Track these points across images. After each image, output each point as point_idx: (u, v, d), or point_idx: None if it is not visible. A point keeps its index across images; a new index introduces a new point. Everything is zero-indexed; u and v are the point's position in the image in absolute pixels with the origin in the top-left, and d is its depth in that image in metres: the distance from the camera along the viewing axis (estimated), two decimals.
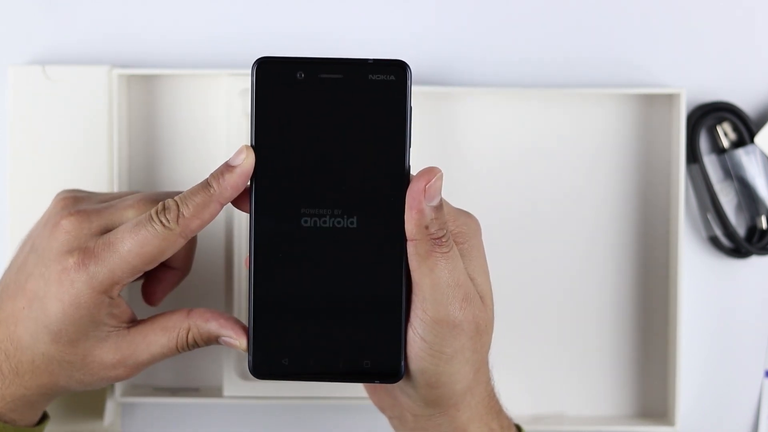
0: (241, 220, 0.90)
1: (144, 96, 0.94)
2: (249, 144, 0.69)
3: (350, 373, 0.71)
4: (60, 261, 0.71)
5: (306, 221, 0.70)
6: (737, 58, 0.96)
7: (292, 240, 0.70)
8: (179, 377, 0.95)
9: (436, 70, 0.95)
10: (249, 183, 0.70)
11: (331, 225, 0.70)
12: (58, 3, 0.95)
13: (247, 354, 0.71)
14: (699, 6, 0.96)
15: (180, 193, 0.73)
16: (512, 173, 0.95)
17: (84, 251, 0.70)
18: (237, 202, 0.71)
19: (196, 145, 0.94)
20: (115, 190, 0.91)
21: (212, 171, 0.70)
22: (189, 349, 0.75)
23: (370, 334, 0.70)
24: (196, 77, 0.94)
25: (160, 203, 0.70)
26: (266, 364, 0.71)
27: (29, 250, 0.75)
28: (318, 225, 0.70)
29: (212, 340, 0.74)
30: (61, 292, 0.70)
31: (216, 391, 0.93)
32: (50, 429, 0.89)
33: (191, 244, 0.78)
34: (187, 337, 0.74)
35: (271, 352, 0.71)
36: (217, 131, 0.94)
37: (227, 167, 0.69)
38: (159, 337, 0.74)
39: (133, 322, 0.74)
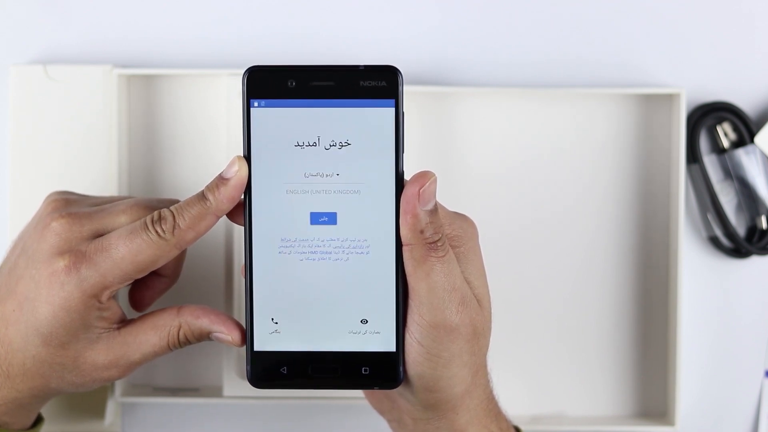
0: None
1: (144, 96, 0.94)
2: (242, 155, 0.70)
3: (349, 379, 0.71)
4: (50, 263, 0.71)
5: (301, 228, 0.70)
6: (737, 58, 0.96)
7: (288, 248, 0.70)
8: (179, 377, 0.95)
9: (436, 70, 0.95)
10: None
11: (326, 232, 0.70)
12: (60, 3, 0.95)
13: (245, 358, 0.72)
14: (699, 6, 0.95)
15: (174, 200, 0.73)
16: (512, 173, 0.94)
17: (75, 254, 0.70)
18: (231, 215, 0.71)
19: (196, 145, 0.94)
20: (115, 189, 0.91)
21: (209, 179, 0.70)
22: (181, 347, 0.75)
23: (367, 340, 0.70)
24: (196, 77, 0.94)
25: (156, 212, 0.70)
26: (265, 372, 0.71)
27: (20, 252, 0.75)
28: (314, 232, 0.70)
29: (204, 337, 0.75)
30: (51, 294, 0.70)
31: (216, 391, 0.94)
32: (51, 429, 0.90)
33: (181, 253, 0.78)
34: (178, 334, 0.74)
35: (270, 360, 0.71)
36: (217, 131, 0.94)
37: (221, 180, 0.69)
38: (150, 336, 0.74)
39: (124, 322, 0.74)
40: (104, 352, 0.73)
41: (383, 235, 0.70)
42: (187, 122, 0.94)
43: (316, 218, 0.70)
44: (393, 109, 0.69)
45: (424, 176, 0.68)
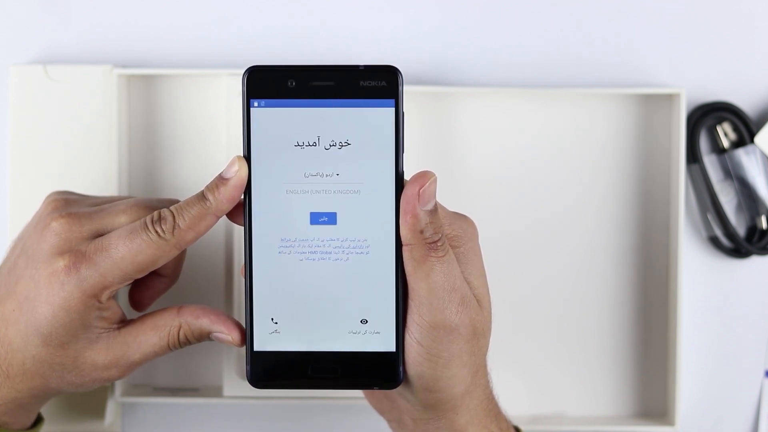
0: None
1: (144, 96, 0.94)
2: (242, 155, 0.70)
3: (348, 379, 0.71)
4: (49, 263, 0.71)
5: (301, 228, 0.70)
6: (737, 58, 0.96)
7: (288, 248, 0.70)
8: (179, 377, 0.95)
9: (436, 70, 0.95)
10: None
11: (326, 232, 0.70)
12: (60, 3, 0.95)
13: (245, 358, 0.72)
14: (699, 6, 0.95)
15: (174, 200, 0.73)
16: (512, 173, 0.94)
17: (75, 254, 0.70)
18: (231, 215, 0.71)
19: (196, 145, 0.94)
20: (115, 189, 0.91)
21: (209, 179, 0.70)
22: (181, 347, 0.75)
23: (367, 340, 0.71)
24: (196, 77, 0.94)
25: (156, 212, 0.70)
26: (264, 372, 0.71)
27: (20, 252, 0.75)
28: (314, 232, 0.70)
29: (204, 337, 0.75)
30: (50, 294, 0.70)
31: (216, 391, 0.94)
32: (51, 429, 0.90)
33: (181, 253, 0.78)
34: (178, 334, 0.74)
35: (269, 360, 0.71)
36: (217, 131, 0.94)
37: (221, 180, 0.69)
38: (150, 336, 0.74)
39: (124, 322, 0.74)
40: (104, 352, 0.73)
41: (383, 235, 0.70)
42: (187, 122, 0.94)
43: (316, 218, 0.70)
44: (393, 109, 0.69)
45: (424, 176, 0.68)
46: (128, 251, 0.69)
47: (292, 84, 0.69)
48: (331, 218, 0.70)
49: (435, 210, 0.68)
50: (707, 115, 0.94)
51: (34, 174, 0.92)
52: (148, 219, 0.70)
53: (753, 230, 0.96)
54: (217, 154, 0.93)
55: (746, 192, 0.95)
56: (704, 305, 0.96)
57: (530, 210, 0.95)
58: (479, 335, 0.72)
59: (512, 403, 0.92)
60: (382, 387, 0.71)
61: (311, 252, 0.70)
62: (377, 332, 0.70)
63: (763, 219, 0.95)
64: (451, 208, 0.73)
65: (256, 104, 0.69)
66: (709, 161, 0.95)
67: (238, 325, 0.74)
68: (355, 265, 0.70)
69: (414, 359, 0.70)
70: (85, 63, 0.94)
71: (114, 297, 0.73)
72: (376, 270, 0.70)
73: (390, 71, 0.69)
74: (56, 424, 0.91)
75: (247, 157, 0.69)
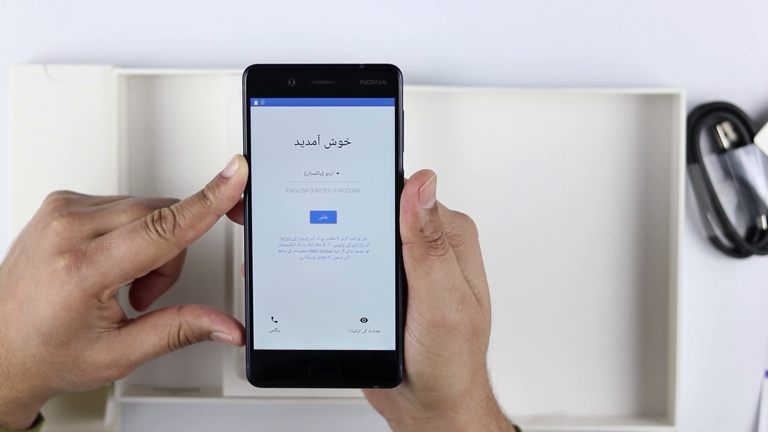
0: None
1: (144, 96, 0.94)
2: (242, 153, 0.70)
3: (348, 378, 0.71)
4: (50, 262, 0.71)
5: (301, 227, 0.70)
6: (737, 58, 0.96)
7: (288, 246, 0.70)
8: (179, 377, 0.95)
9: (436, 70, 0.95)
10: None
11: (326, 230, 0.70)
12: (60, 3, 0.95)
13: (245, 357, 0.72)
14: (699, 6, 0.95)
15: (174, 200, 0.73)
16: (512, 173, 0.94)
17: (76, 253, 0.70)
18: (231, 214, 0.71)
19: (196, 145, 0.94)
20: (115, 189, 0.91)
21: (209, 179, 0.70)
22: (181, 346, 0.75)
23: (367, 339, 0.70)
24: (196, 77, 0.94)
25: (156, 211, 0.70)
26: (264, 371, 0.71)
27: (20, 251, 0.75)
28: (314, 231, 0.70)
29: (204, 336, 0.74)
30: (51, 294, 0.70)
31: (216, 391, 0.94)
32: (51, 429, 0.90)
33: (182, 252, 0.78)
34: (178, 334, 0.74)
35: (269, 359, 0.71)
36: (217, 131, 0.94)
37: (221, 179, 0.69)
38: (150, 335, 0.74)
39: (124, 322, 0.74)
40: (104, 351, 0.73)
41: (383, 234, 0.70)
42: (187, 122, 0.94)
43: (316, 217, 0.70)
44: (393, 108, 0.69)
45: (423, 175, 0.68)
46: (129, 250, 0.69)
47: (292, 83, 0.69)
48: (331, 217, 0.70)
49: (435, 209, 0.68)
50: (707, 115, 0.94)
51: (34, 174, 0.92)
52: (148, 218, 0.70)
53: (753, 230, 0.96)
54: (217, 154, 0.93)
55: (746, 192, 0.95)
56: (704, 305, 0.96)
57: (530, 210, 0.95)
58: (479, 334, 0.72)
59: (512, 403, 0.92)
60: (382, 386, 0.71)
61: (311, 251, 0.70)
62: (377, 331, 0.70)
63: (763, 219, 0.95)
64: (451, 208, 0.73)
65: (256, 103, 0.69)
66: (709, 161, 0.95)
67: (238, 324, 0.74)
68: (355, 264, 0.70)
69: (414, 358, 0.70)
70: (85, 63, 0.94)
71: (114, 296, 0.73)
72: (376, 268, 0.70)
73: (390, 70, 0.69)
74: (56, 424, 0.91)
75: (248, 156, 0.69)
